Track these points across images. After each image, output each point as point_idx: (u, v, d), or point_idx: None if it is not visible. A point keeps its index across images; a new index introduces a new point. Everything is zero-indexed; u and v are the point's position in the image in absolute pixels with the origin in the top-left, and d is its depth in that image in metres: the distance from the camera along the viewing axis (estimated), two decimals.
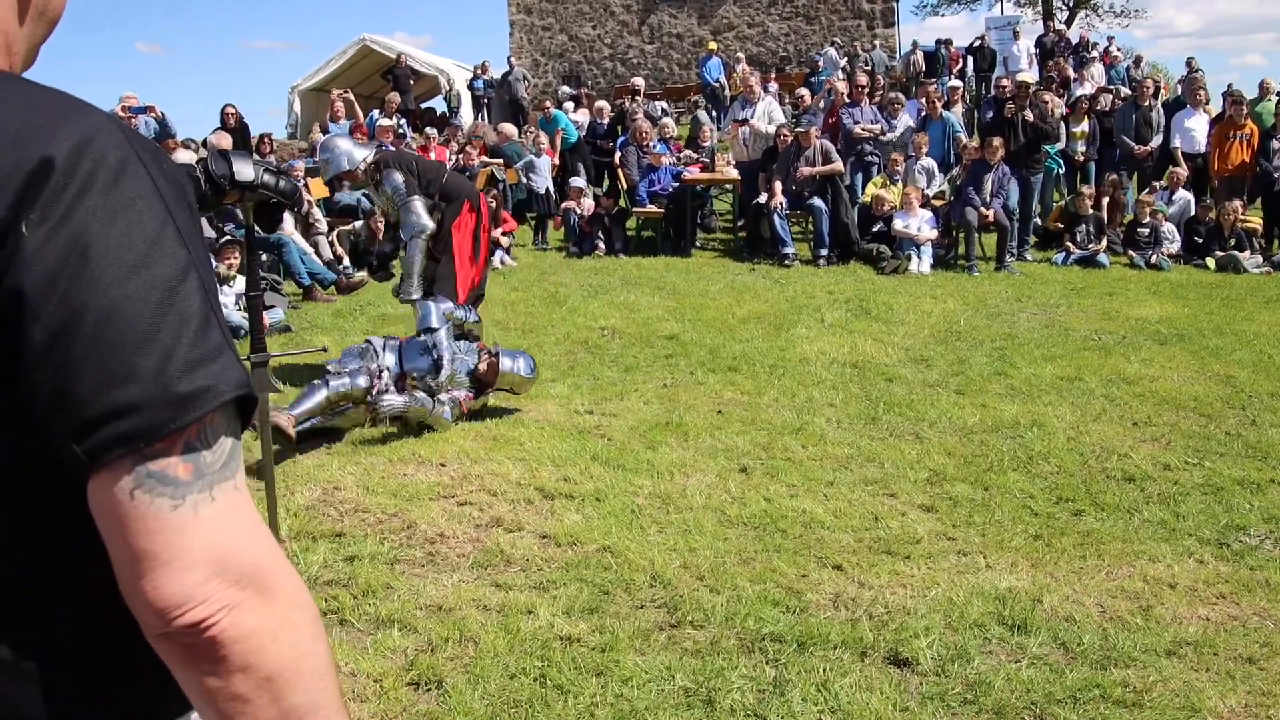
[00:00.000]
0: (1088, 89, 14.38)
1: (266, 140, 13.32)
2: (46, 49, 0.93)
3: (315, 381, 5.00)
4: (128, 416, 0.72)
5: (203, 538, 0.74)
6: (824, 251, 10.39)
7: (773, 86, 20.06)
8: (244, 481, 0.79)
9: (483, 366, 5.30)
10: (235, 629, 0.74)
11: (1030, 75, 13.09)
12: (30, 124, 0.74)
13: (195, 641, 0.74)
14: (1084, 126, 12.14)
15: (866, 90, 12.26)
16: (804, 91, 14.23)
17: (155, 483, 0.73)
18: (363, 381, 4.99)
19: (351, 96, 13.74)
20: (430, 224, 5.78)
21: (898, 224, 10.22)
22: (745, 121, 11.54)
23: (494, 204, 10.46)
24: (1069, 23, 31.07)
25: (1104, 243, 10.57)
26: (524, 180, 12.43)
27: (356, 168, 5.88)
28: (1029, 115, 10.51)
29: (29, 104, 0.76)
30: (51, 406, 0.72)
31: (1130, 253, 10.60)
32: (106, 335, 0.72)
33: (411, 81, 19.15)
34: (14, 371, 0.73)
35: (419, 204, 5.79)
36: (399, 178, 5.84)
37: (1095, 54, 19.40)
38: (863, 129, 11.65)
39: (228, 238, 7.83)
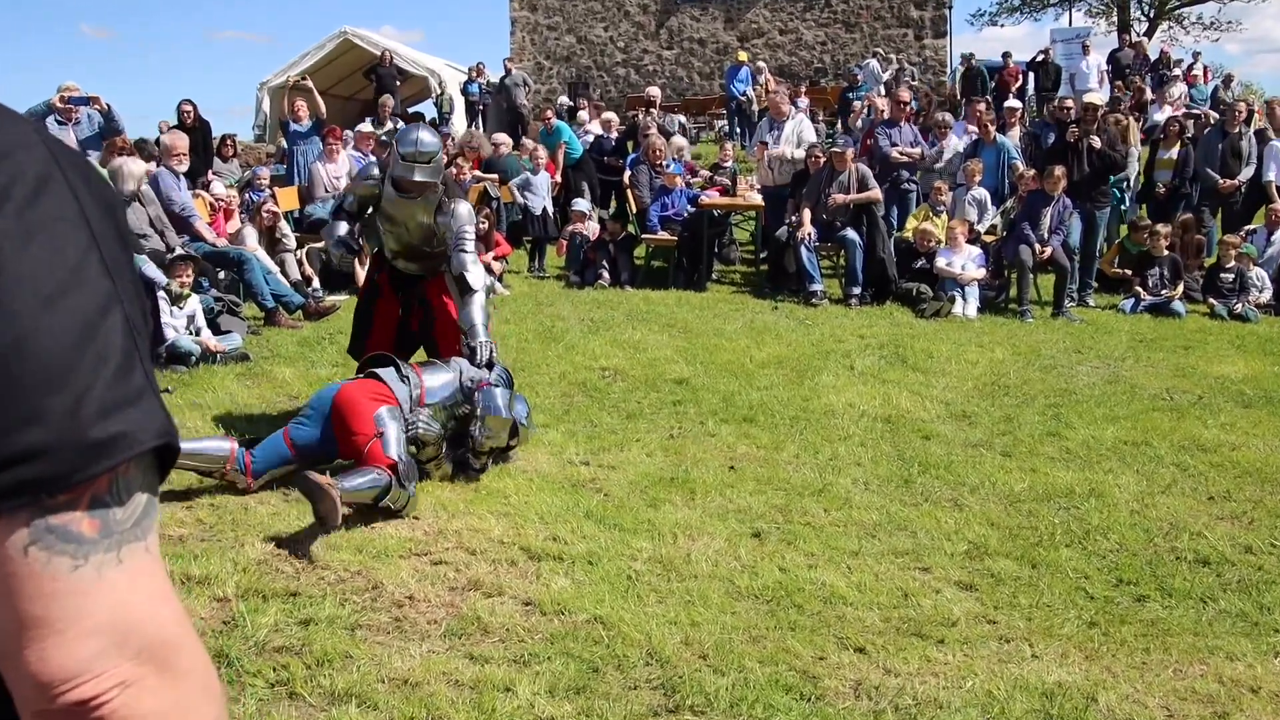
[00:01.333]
0: (1166, 112, 14.49)
1: (230, 143, 13.46)
2: None
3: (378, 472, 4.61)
4: (29, 463, 0.71)
5: (104, 604, 0.73)
6: (856, 290, 10.45)
7: (803, 101, 20.32)
8: (156, 544, 0.79)
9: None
10: (128, 710, 0.73)
11: (1099, 96, 13.22)
12: None
13: None
14: (1173, 153, 12.18)
15: (908, 108, 12.37)
16: (858, 104, 14.24)
17: (55, 539, 0.72)
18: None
19: (312, 85, 13.64)
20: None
21: (940, 262, 10.28)
22: (775, 142, 11.60)
23: (485, 225, 10.60)
24: (1149, 34, 31.39)
25: (1180, 288, 10.61)
26: (519, 199, 12.55)
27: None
28: (1096, 142, 10.60)
29: None
30: None
31: (1211, 301, 10.60)
32: (12, 371, 0.71)
33: (398, 82, 19.42)
34: None
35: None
36: (467, 214, 5.63)
37: (1178, 71, 19.57)
38: (900, 153, 11.75)
39: (180, 252, 7.92)
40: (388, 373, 5.11)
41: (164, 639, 0.76)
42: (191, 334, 7.35)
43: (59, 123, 9.90)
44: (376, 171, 5.89)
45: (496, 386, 5.25)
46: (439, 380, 5.23)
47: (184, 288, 7.43)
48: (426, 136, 5.60)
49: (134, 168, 8.04)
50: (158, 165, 9.15)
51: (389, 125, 15.06)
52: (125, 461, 0.75)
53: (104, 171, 8.68)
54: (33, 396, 0.71)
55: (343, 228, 5.87)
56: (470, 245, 5.54)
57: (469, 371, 5.32)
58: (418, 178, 5.47)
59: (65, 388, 0.72)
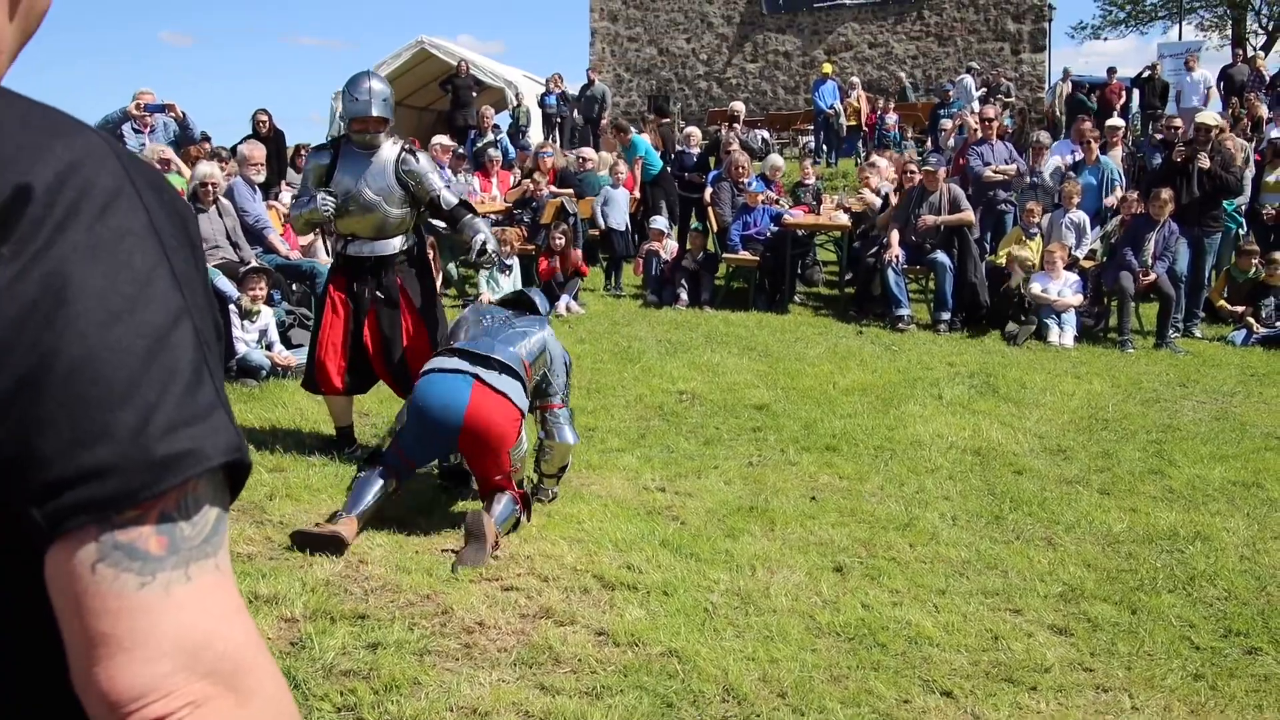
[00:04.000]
0: None
1: (303, 153, 13.75)
2: (55, 36, 0.95)
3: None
4: (97, 479, 0.73)
5: (173, 623, 0.75)
6: (945, 315, 10.36)
7: (892, 118, 20.20)
8: (227, 561, 0.81)
9: None
10: None
11: (1212, 116, 12.97)
12: (12, 145, 0.76)
13: None
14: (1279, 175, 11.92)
15: (996, 124, 12.32)
16: (949, 121, 14.05)
17: (122, 556, 0.74)
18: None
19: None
20: None
21: (1035, 288, 10.13)
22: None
23: (562, 241, 10.71)
24: (1266, 49, 30.63)
25: None
26: (598, 215, 12.65)
27: None
28: (1205, 162, 10.38)
29: (15, 121, 0.79)
30: (11, 464, 0.73)
31: None
32: (79, 387, 0.73)
33: (474, 94, 19.69)
34: None
35: None
36: (429, 161, 6.04)
37: None
38: (994, 171, 11.65)
39: (252, 265, 8.12)
40: (510, 384, 4.81)
41: (235, 658, 0.77)
42: (263, 348, 7.52)
43: (135, 130, 10.24)
44: (324, 142, 6.06)
45: (565, 407, 5.27)
46: (529, 346, 5.04)
47: (255, 302, 7.61)
48: (374, 80, 5.77)
49: (205, 169, 8.28)
50: (231, 176, 9.40)
51: (490, 136, 15.50)
52: (193, 478, 0.77)
53: (183, 179, 8.95)
54: (100, 413, 0.73)
55: (306, 197, 5.81)
56: (450, 192, 5.95)
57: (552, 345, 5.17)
58: (375, 112, 5.67)
59: (132, 403, 0.74)
